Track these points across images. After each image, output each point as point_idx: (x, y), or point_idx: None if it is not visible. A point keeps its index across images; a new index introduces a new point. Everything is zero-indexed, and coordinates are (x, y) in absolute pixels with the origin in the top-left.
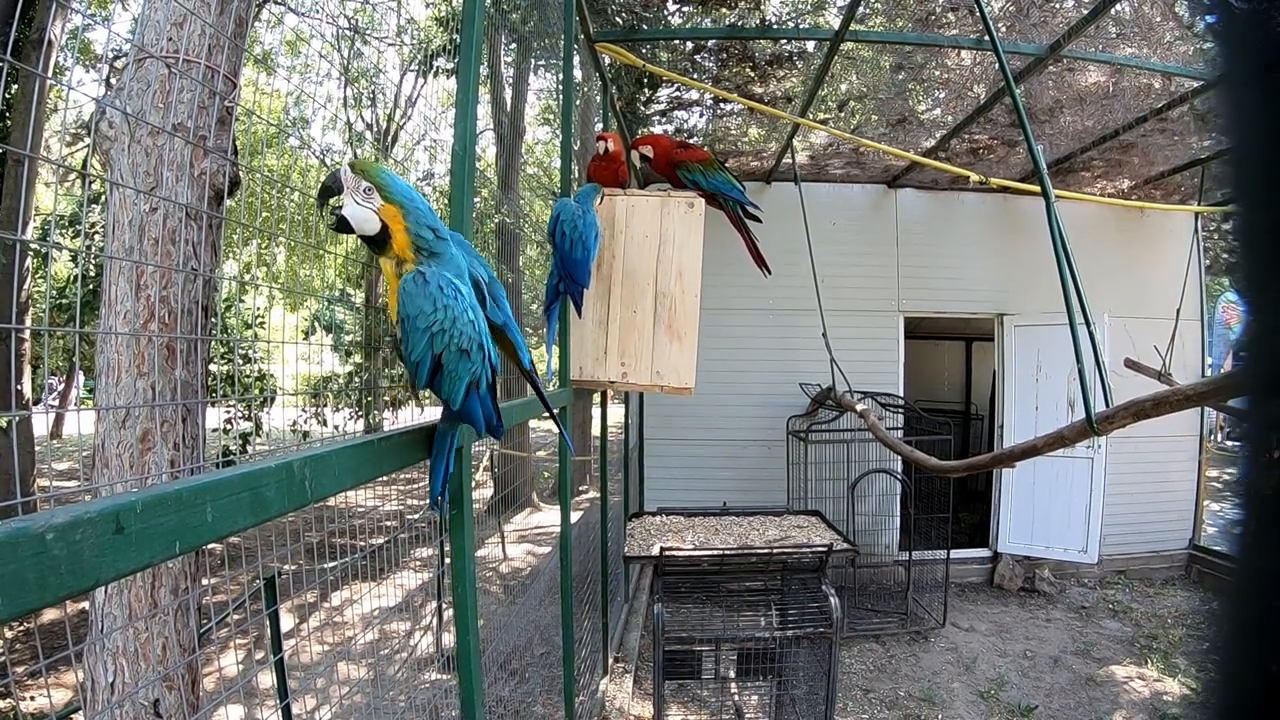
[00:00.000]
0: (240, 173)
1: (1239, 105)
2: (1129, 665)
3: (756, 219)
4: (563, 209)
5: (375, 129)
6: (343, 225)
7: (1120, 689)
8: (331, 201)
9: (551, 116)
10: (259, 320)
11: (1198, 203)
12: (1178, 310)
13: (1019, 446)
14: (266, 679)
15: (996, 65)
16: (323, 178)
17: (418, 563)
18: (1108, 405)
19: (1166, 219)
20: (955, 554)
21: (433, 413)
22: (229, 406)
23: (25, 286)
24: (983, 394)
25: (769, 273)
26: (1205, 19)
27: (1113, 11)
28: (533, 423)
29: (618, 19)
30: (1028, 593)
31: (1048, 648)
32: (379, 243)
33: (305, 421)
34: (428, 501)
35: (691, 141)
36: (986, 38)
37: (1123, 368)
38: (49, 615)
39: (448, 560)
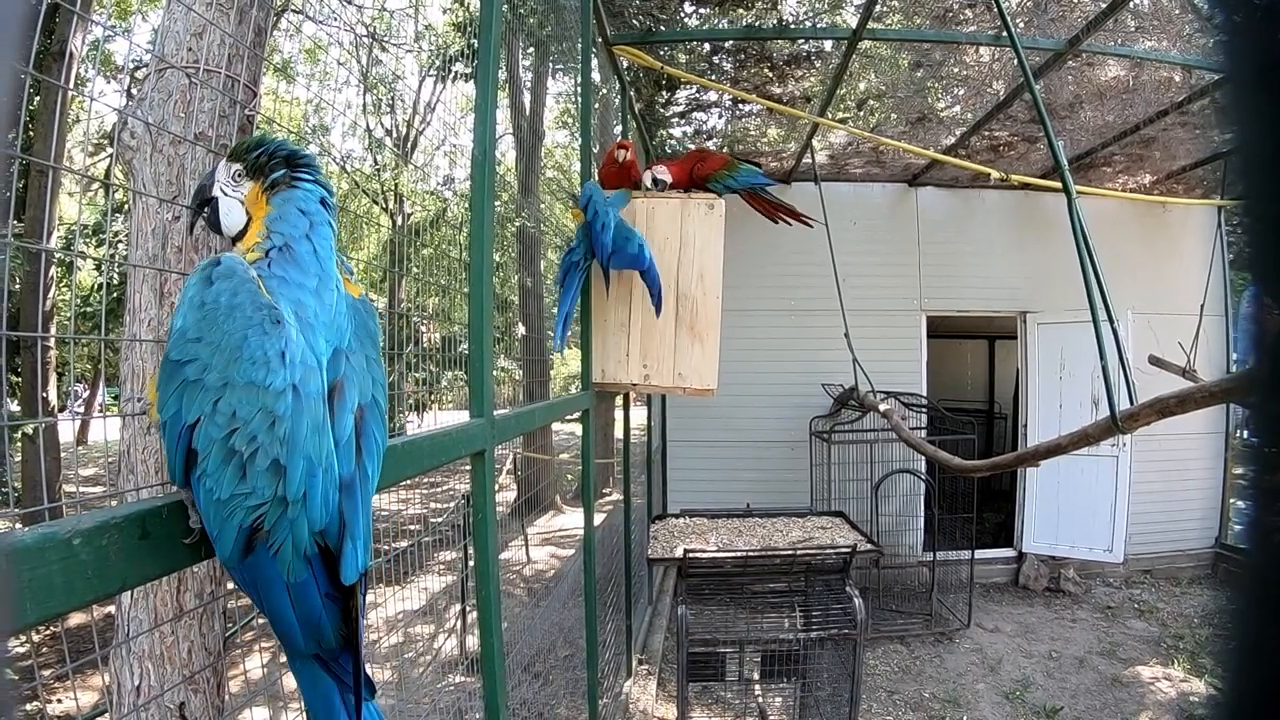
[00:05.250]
0: None
1: (1250, 100)
2: (1155, 665)
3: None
4: (594, 190)
5: (395, 134)
6: (213, 222)
7: (1146, 690)
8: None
9: (570, 120)
10: None
11: (1220, 196)
12: (1202, 306)
13: (1043, 445)
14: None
15: (1015, 61)
16: (343, 184)
17: (441, 566)
18: (1132, 403)
19: (1189, 213)
20: (980, 554)
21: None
22: None
23: (50, 295)
24: (1006, 392)
25: (812, 224)
26: (1220, 13)
27: (1131, 5)
28: (555, 425)
29: (634, 21)
30: (1053, 593)
31: (1073, 648)
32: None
33: None
34: (450, 505)
35: (709, 144)
36: (1005, 34)
37: (1147, 365)
38: (75, 619)
39: (471, 563)
